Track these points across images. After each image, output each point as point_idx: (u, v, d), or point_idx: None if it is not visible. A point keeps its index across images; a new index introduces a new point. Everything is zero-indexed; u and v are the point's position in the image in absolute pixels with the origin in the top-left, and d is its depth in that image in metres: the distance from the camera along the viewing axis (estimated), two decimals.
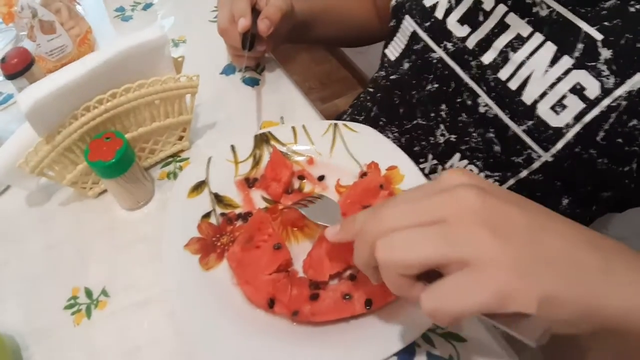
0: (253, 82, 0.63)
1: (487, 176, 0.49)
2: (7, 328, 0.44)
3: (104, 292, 0.45)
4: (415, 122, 0.55)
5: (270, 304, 0.39)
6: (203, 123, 0.59)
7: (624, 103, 0.37)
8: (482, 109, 0.46)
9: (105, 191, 0.53)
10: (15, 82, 0.58)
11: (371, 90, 0.67)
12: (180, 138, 0.55)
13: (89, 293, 0.46)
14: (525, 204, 0.29)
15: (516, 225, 0.27)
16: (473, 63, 0.47)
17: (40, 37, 0.64)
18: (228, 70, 0.65)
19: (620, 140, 0.38)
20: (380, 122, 0.61)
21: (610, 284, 0.27)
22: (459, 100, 0.49)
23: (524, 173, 0.45)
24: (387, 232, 0.28)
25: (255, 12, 0.55)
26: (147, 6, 0.79)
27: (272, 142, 0.52)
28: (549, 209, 0.30)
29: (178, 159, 0.56)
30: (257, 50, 0.58)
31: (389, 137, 0.57)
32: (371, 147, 0.52)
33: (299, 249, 0.45)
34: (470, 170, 0.50)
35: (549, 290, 0.26)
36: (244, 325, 0.40)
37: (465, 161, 0.50)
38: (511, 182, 0.47)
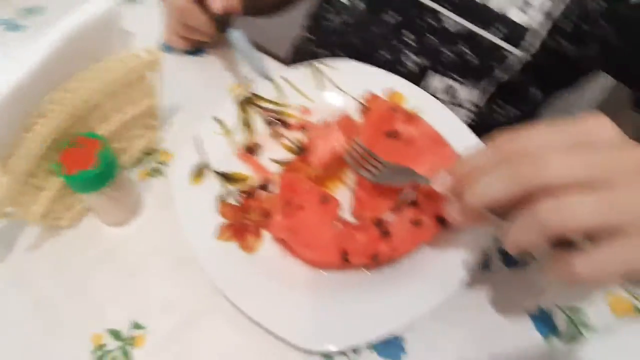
0: (198, 52, 0.56)
1: (461, 83, 0.52)
2: None
3: (136, 325, 0.38)
4: (375, 55, 0.55)
5: (345, 257, 0.36)
6: (166, 107, 0.50)
7: None
8: (447, 26, 0.48)
9: (81, 217, 0.43)
10: None
11: (311, 33, 0.63)
12: (149, 128, 0.46)
13: (115, 334, 0.37)
14: None
15: None
16: None
17: None
18: (167, 46, 0.56)
19: (585, 26, 0.43)
20: None
21: None
22: (422, 24, 0.50)
23: (500, 74, 0.48)
24: (556, 188, 0.25)
25: None
26: None
27: (258, 102, 0.47)
28: None
29: (155, 153, 0.47)
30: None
31: None
32: (358, 78, 0.49)
33: (337, 196, 0.41)
34: (450, 85, 0.52)
35: None
36: (314, 292, 0.36)
37: (439, 75, 0.52)
38: (491, 89, 0.51)
